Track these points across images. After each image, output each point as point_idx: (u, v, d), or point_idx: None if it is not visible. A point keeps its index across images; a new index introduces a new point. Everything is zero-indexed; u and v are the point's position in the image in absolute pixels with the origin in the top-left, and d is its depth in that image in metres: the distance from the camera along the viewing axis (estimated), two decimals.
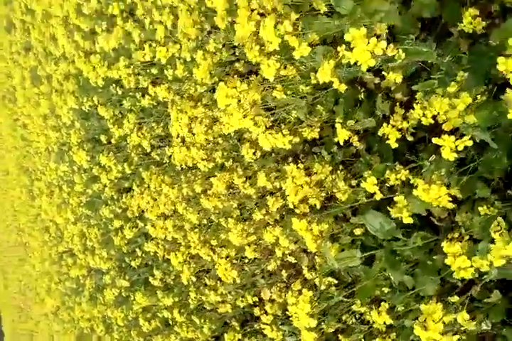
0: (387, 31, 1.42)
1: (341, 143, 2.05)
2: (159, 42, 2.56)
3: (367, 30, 1.68)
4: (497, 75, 1.58)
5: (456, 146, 1.48)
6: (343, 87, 1.73)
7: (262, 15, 1.71)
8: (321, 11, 1.81)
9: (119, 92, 3.50)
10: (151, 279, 3.85)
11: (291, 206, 2.18)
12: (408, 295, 1.93)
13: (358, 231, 2.12)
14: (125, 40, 3.02)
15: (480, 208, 1.69)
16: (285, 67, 2.02)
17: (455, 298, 1.77)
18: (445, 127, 1.53)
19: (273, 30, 1.57)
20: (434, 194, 1.56)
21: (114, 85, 3.49)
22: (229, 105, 1.93)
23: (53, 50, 4.44)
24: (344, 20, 1.70)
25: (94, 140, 4.34)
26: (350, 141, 2.07)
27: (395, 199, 1.75)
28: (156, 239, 3.59)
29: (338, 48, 1.64)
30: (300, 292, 1.98)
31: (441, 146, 1.52)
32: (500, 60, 1.27)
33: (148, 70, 2.99)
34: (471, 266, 1.48)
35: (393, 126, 1.76)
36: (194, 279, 3.28)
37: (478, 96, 1.55)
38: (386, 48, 1.34)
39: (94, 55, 3.32)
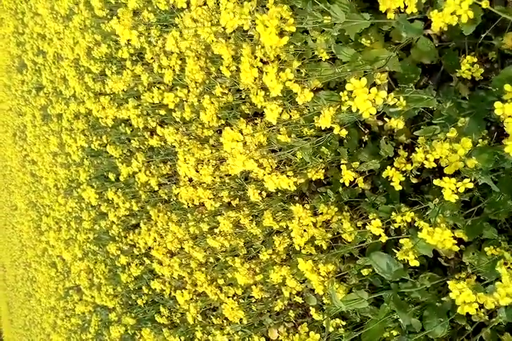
0: (387, 80, 1.46)
1: (346, 184, 2.08)
2: (167, 85, 2.62)
3: (368, 76, 1.73)
4: (498, 119, 1.61)
5: (458, 188, 1.50)
6: (343, 133, 1.77)
7: (264, 63, 1.77)
8: (323, 59, 1.86)
9: (128, 132, 3.56)
10: (157, 317, 3.82)
11: (297, 248, 2.19)
12: (417, 337, 1.92)
13: (365, 272, 2.12)
14: (134, 82, 3.10)
15: (486, 248, 1.70)
16: (289, 111, 2.07)
17: None
18: (446, 171, 1.55)
19: (274, 77, 1.62)
20: (439, 237, 1.57)
21: (123, 125, 3.56)
22: (234, 148, 1.97)
23: (64, 90, 4.55)
24: (345, 67, 1.75)
25: (103, 177, 4.39)
26: (356, 182, 2.09)
27: (401, 241, 1.76)
28: (162, 276, 3.58)
29: (341, 93, 1.69)
30: (308, 334, 1.97)
31: (442, 190, 1.54)
32: (497, 104, 1.30)
33: (156, 111, 3.05)
34: (476, 302, 1.47)
35: (397, 169, 1.78)
36: (200, 318, 3.26)
37: (480, 140, 1.58)
38: (386, 97, 1.38)
39: (103, 96, 3.40)
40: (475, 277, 1.72)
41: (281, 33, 1.46)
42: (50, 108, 5.04)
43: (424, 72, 1.92)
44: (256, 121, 2.21)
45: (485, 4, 1.21)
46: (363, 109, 1.38)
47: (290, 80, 1.58)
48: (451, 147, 1.49)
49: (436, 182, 1.50)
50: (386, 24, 1.81)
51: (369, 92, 1.36)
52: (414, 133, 1.72)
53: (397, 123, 1.69)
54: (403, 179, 1.74)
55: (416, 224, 1.72)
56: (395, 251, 1.75)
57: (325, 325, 2.19)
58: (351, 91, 1.46)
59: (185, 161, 2.45)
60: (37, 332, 9.00)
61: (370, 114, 2.03)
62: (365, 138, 2.18)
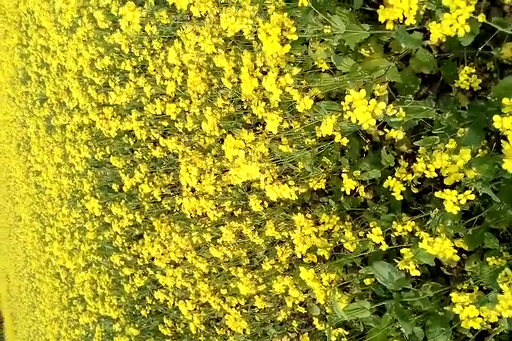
0: (386, 92, 1.47)
1: (348, 193, 2.08)
2: (169, 96, 2.65)
3: (367, 87, 1.75)
4: (497, 129, 1.62)
5: (459, 200, 1.51)
6: (345, 141, 1.78)
7: (264, 73, 1.79)
8: (323, 69, 1.88)
9: (131, 143, 3.58)
10: (161, 327, 3.82)
11: (299, 255, 2.20)
12: None
13: (368, 282, 2.12)
14: (137, 94, 3.12)
15: (488, 259, 1.70)
16: (290, 122, 2.09)
17: None
18: (446, 182, 1.56)
19: (274, 82, 1.63)
20: (439, 247, 1.58)
21: (126, 136, 3.58)
22: (236, 156, 1.99)
23: (67, 101, 4.58)
24: (345, 77, 1.77)
25: (107, 188, 4.40)
26: (357, 191, 2.10)
27: (402, 251, 1.77)
28: (166, 286, 3.59)
29: (342, 103, 1.71)
30: None
31: (444, 201, 1.55)
32: (496, 118, 1.31)
33: (159, 122, 3.07)
34: (480, 316, 1.48)
35: (398, 179, 1.79)
36: (203, 328, 3.25)
37: (480, 150, 1.59)
38: (386, 108, 1.39)
39: (107, 107, 3.43)
40: (477, 288, 1.72)
41: (283, 42, 1.48)
42: (54, 119, 5.08)
43: (424, 81, 1.94)
44: (257, 131, 2.22)
45: (481, 18, 1.23)
46: (362, 120, 1.39)
47: (290, 86, 1.60)
48: (451, 158, 1.50)
49: (437, 194, 1.51)
50: (385, 35, 1.83)
51: (368, 104, 1.37)
52: (414, 143, 1.73)
53: (397, 134, 1.70)
54: (404, 189, 1.74)
55: (416, 234, 1.72)
56: (396, 261, 1.76)
57: (327, 335, 2.19)
58: (351, 102, 1.48)
59: (188, 171, 2.47)
60: None
61: (370, 125, 2.04)
62: (366, 147, 2.19)
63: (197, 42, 2.02)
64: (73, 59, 4.05)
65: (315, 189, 2.22)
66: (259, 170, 2.09)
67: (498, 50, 1.77)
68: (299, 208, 2.63)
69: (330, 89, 1.86)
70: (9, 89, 8.44)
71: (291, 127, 2.02)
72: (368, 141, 2.23)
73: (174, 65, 2.46)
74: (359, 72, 1.76)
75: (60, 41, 4.61)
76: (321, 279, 2.07)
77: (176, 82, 2.53)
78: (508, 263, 1.67)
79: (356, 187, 2.10)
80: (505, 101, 1.27)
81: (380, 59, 1.78)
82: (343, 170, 2.14)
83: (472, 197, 1.46)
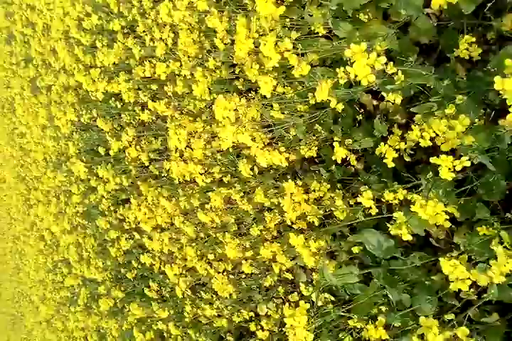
0: (384, 55, 1.44)
1: (339, 161, 2.07)
2: (159, 58, 2.58)
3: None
4: (494, 100, 1.61)
5: (454, 166, 1.50)
6: (340, 107, 1.75)
7: (261, 35, 1.74)
8: (320, 33, 1.83)
9: (119, 106, 3.51)
10: (146, 291, 3.84)
11: (288, 222, 2.19)
12: (405, 313, 1.94)
13: (356, 249, 2.13)
14: (125, 56, 3.04)
15: (479, 228, 1.70)
16: (284, 87, 2.04)
17: (452, 316, 1.77)
18: (443, 147, 1.54)
19: (273, 47, 1.59)
20: (431, 210, 1.57)
21: (113, 99, 3.51)
22: (226, 118, 1.95)
23: (53, 62, 4.46)
24: (342, 42, 1.73)
25: (93, 151, 4.35)
26: (348, 160, 2.09)
27: (394, 215, 1.76)
28: (152, 250, 3.59)
29: (337, 70, 1.67)
30: (297, 304, 1.99)
31: (439, 167, 1.54)
32: (497, 79, 1.29)
33: (148, 86, 3.00)
34: (469, 278, 1.48)
35: (390, 146, 1.77)
36: (190, 292, 3.28)
37: (476, 120, 1.57)
38: (386, 64, 1.37)
39: (94, 68, 3.33)
40: (466, 256, 1.73)
41: (278, 3, 1.43)
42: (39, 80, 4.95)
43: (420, 52, 1.90)
44: (249, 96, 2.18)
45: None
46: (361, 76, 1.37)
47: (288, 51, 1.56)
48: (449, 124, 1.48)
49: (433, 159, 1.50)
50: (385, 0, 1.77)
51: (368, 57, 1.34)
52: (410, 109, 1.71)
53: (395, 98, 1.67)
54: (396, 156, 1.73)
55: (409, 198, 1.72)
56: (388, 225, 1.76)
57: (314, 299, 2.21)
58: (348, 64, 1.45)
59: (176, 134, 2.43)
60: (26, 305, 9.05)
61: (366, 92, 2.01)
62: (360, 117, 2.16)
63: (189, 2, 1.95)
64: (59, 18, 3.92)
65: (306, 157, 2.20)
66: (250, 135, 2.06)
67: (498, 21, 1.73)
68: (288, 176, 2.61)
69: (326, 54, 1.81)
70: None
71: (284, 92, 1.98)
72: (361, 110, 2.20)
73: (165, 26, 2.38)
74: (356, 37, 1.71)
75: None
76: (309, 247, 2.07)
77: (167, 44, 2.45)
78: (498, 233, 1.67)
79: (347, 157, 2.08)
80: (507, 62, 1.24)
81: (378, 26, 1.74)
82: (335, 139, 2.12)
83: (468, 163, 1.45)
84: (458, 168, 1.49)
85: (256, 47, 1.71)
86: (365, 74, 1.39)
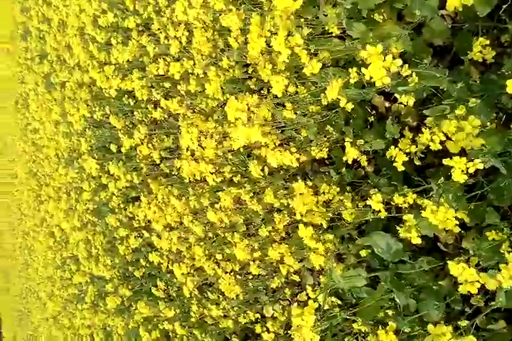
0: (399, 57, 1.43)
1: (349, 162, 2.06)
2: (173, 56, 2.58)
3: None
4: (507, 104, 1.59)
5: (467, 168, 1.48)
6: (349, 106, 1.75)
7: (273, 34, 1.73)
8: (334, 33, 1.82)
9: (131, 103, 3.52)
10: (153, 290, 3.85)
11: (298, 217, 2.17)
12: (413, 318, 1.92)
13: (364, 253, 2.11)
14: (139, 53, 3.05)
15: (488, 233, 1.68)
16: (296, 86, 2.04)
17: (463, 322, 1.75)
18: (451, 148, 1.52)
19: (283, 41, 1.59)
20: (442, 216, 1.56)
21: (126, 96, 3.52)
22: (238, 119, 1.95)
23: (68, 58, 4.49)
24: (356, 43, 1.72)
25: (105, 148, 4.36)
26: (359, 161, 2.07)
27: (404, 218, 1.75)
28: (160, 249, 3.59)
29: (350, 70, 1.66)
30: (306, 303, 1.97)
31: (450, 171, 1.52)
32: (510, 82, 1.28)
33: (161, 83, 3.01)
34: (478, 281, 1.46)
35: (400, 150, 1.76)
36: (197, 292, 3.28)
37: (488, 124, 1.56)
38: (401, 67, 1.36)
39: (108, 65, 3.35)
40: (476, 260, 1.71)
41: None
42: (54, 76, 4.99)
43: (434, 53, 1.89)
44: (262, 95, 2.18)
45: None
46: (376, 78, 1.36)
47: (299, 46, 1.55)
48: (459, 124, 1.46)
49: (446, 161, 1.48)
50: (400, 1, 1.76)
51: (384, 59, 1.33)
52: (423, 111, 1.70)
53: (408, 100, 1.66)
54: (406, 159, 1.72)
55: (419, 202, 1.71)
56: (398, 228, 1.74)
57: (321, 302, 2.19)
58: (360, 67, 1.44)
59: (189, 133, 2.43)
60: (33, 301, 9.11)
61: (379, 94, 2.00)
62: (371, 118, 2.15)
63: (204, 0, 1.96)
64: (75, 15, 3.95)
65: (317, 158, 2.19)
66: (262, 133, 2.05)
67: None
68: (298, 177, 2.61)
69: (339, 54, 1.80)
70: (9, 44, 8.29)
71: (296, 92, 1.98)
72: (373, 112, 2.19)
73: (179, 24, 2.39)
74: (370, 38, 1.70)
75: None
76: (319, 241, 2.07)
77: (181, 42, 2.46)
78: (508, 239, 1.66)
79: (358, 158, 2.07)
80: None
81: (393, 26, 1.73)
82: (347, 140, 2.11)
83: (481, 165, 1.43)
84: (471, 170, 1.47)
85: (269, 46, 1.71)
86: (380, 76, 1.38)
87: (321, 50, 1.74)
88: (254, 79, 2.40)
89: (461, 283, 1.46)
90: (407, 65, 1.49)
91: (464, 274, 1.43)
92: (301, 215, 2.08)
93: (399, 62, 1.37)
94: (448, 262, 1.48)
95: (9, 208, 10.90)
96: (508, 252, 1.39)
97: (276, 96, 1.95)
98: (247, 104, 1.92)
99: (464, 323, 1.72)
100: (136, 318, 4.10)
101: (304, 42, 1.62)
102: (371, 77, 1.39)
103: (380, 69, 1.36)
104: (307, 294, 2.48)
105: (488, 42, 1.61)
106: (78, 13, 3.92)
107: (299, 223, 2.15)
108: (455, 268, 1.45)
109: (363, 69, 1.43)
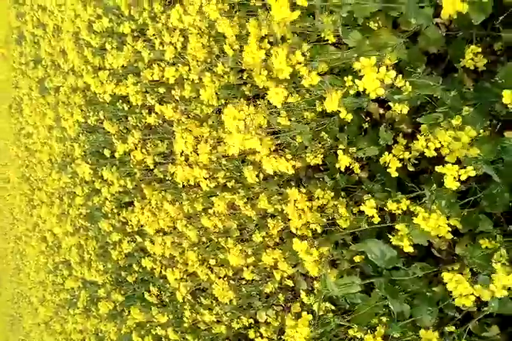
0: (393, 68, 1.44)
1: (342, 170, 2.07)
2: (168, 62, 2.59)
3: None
4: (501, 112, 1.60)
5: (459, 175, 1.49)
6: (349, 117, 1.76)
7: (271, 43, 1.74)
8: (330, 41, 1.83)
9: (126, 108, 3.52)
10: (146, 295, 3.83)
11: (293, 230, 2.18)
12: (404, 324, 1.93)
13: (357, 259, 2.12)
14: (134, 59, 3.05)
15: (481, 241, 1.69)
16: (291, 95, 2.04)
17: (452, 328, 1.76)
18: (448, 158, 1.54)
19: (285, 60, 1.59)
20: (434, 223, 1.57)
21: (120, 101, 3.52)
22: (237, 127, 1.95)
23: (62, 63, 4.48)
24: (352, 51, 1.73)
25: (99, 153, 4.35)
26: (352, 168, 2.08)
27: (397, 227, 1.76)
28: (153, 254, 3.58)
29: (345, 78, 1.67)
30: (299, 315, 1.98)
31: (443, 178, 1.53)
32: (506, 92, 1.29)
33: (155, 89, 3.02)
34: (472, 294, 1.47)
35: (394, 155, 1.77)
36: (190, 297, 3.27)
37: (481, 131, 1.57)
38: (395, 78, 1.36)
39: (103, 70, 3.35)
40: (468, 269, 1.72)
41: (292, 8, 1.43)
42: (48, 81, 4.98)
43: (428, 61, 1.90)
44: (256, 103, 2.18)
45: None
46: (370, 89, 1.36)
47: (300, 63, 1.56)
48: (455, 135, 1.48)
49: (438, 168, 1.50)
50: (395, 9, 1.78)
51: (378, 71, 1.34)
52: (416, 119, 1.71)
53: (402, 108, 1.67)
54: (400, 165, 1.73)
55: (412, 209, 1.71)
56: (390, 236, 1.75)
57: (315, 308, 2.20)
58: (356, 74, 1.45)
59: (183, 138, 2.43)
60: (25, 306, 9.03)
61: (373, 101, 2.01)
62: (366, 125, 2.16)
63: (200, 6, 1.96)
64: (70, 20, 3.95)
65: (312, 164, 2.20)
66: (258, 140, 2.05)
67: (507, 32, 1.73)
68: (292, 183, 2.61)
69: (335, 63, 1.81)
70: (3, 48, 8.27)
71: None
72: (367, 118, 2.20)
73: (174, 30, 2.39)
74: (366, 46, 1.72)
75: (57, 1, 4.49)
76: (312, 254, 2.07)
77: (176, 48, 2.47)
78: (500, 246, 1.67)
79: (351, 165, 2.08)
80: None
81: (388, 35, 1.74)
82: (340, 147, 2.12)
83: (473, 173, 1.44)
84: (463, 178, 1.48)
85: (267, 55, 1.72)
86: (374, 88, 1.38)
87: (318, 58, 1.75)
88: (249, 85, 2.40)
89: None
90: (401, 76, 1.49)
91: (459, 288, 1.44)
92: (296, 229, 2.09)
93: (393, 73, 1.37)
94: (443, 272, 1.49)
95: (1, 212, 10.83)
96: (499, 262, 1.39)
97: (269, 103, 1.96)
98: (244, 114, 1.92)
99: (451, 329, 1.73)
100: (128, 324, 4.07)
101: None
102: (365, 89, 1.40)
103: (373, 81, 1.36)
104: (301, 305, 2.48)
105: (479, 49, 1.63)
106: (73, 18, 3.92)
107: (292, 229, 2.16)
108: (451, 281, 1.46)
109: (356, 81, 1.43)
